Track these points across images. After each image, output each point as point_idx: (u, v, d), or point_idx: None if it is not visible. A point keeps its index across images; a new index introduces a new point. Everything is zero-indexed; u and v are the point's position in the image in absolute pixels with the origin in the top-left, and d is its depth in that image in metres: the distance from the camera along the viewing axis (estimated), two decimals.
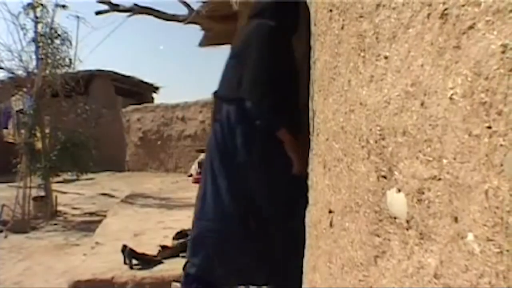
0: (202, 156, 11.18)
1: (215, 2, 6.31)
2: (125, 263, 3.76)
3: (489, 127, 0.57)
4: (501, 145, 0.55)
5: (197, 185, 8.65)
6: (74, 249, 5.26)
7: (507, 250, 0.53)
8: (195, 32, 7.90)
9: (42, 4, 7.58)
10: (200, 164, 10.64)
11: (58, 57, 7.75)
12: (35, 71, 7.61)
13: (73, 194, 9.68)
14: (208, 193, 2.32)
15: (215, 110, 2.39)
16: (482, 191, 0.58)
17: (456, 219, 0.64)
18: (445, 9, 0.70)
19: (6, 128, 11.17)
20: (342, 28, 1.22)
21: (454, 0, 0.67)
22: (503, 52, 0.55)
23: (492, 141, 0.56)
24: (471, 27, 0.63)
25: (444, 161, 0.67)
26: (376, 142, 0.94)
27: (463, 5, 0.65)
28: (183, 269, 2.40)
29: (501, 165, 0.54)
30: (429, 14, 0.75)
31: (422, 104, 0.75)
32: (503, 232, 0.53)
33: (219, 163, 2.22)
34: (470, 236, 0.60)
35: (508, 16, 0.55)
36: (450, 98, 0.66)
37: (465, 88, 0.63)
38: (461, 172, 0.63)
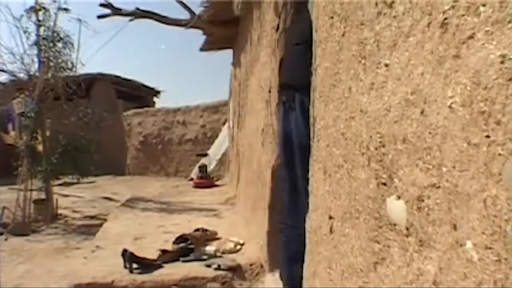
0: (202, 160, 11.20)
1: (216, 7, 6.33)
2: (125, 267, 3.76)
3: (488, 136, 0.57)
4: (500, 154, 0.55)
5: (198, 190, 8.57)
6: (75, 252, 5.26)
7: (505, 259, 0.53)
8: (197, 36, 7.92)
9: (44, 8, 7.61)
10: (200, 169, 10.63)
11: (60, 60, 7.77)
12: (37, 74, 7.62)
13: (74, 197, 9.68)
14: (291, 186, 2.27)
15: (287, 99, 2.33)
16: (480, 200, 0.58)
17: (455, 227, 0.64)
18: (445, 19, 0.70)
19: (14, 130, 11.16)
20: (343, 35, 1.22)
21: (454, 10, 0.68)
22: (502, 62, 0.56)
23: (490, 150, 0.57)
24: (470, 37, 0.63)
25: (444, 169, 0.68)
26: (376, 149, 0.94)
27: (462, 15, 0.65)
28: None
29: (500, 174, 0.55)
30: (429, 23, 0.76)
31: (422, 112, 0.75)
32: (501, 241, 0.54)
33: (294, 153, 2.20)
34: (469, 244, 0.61)
35: (507, 27, 0.55)
36: (450, 107, 0.67)
37: (464, 97, 0.63)
38: (460, 180, 0.63)
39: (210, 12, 6.62)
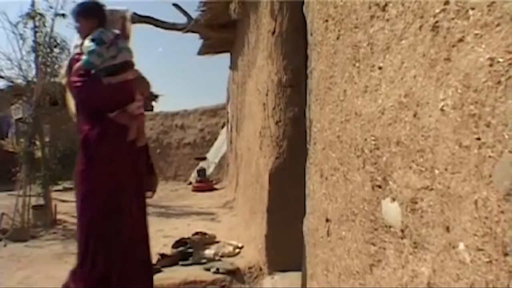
0: (201, 164, 11.19)
1: (213, 11, 6.34)
2: None
3: (478, 139, 0.58)
4: (490, 156, 0.56)
5: (197, 193, 8.54)
6: (74, 258, 5.22)
7: (496, 260, 0.53)
8: (194, 40, 7.93)
9: (40, 14, 7.60)
10: (199, 172, 10.62)
11: (57, 65, 7.76)
12: (35, 79, 7.61)
13: (73, 202, 9.65)
14: None
15: None
16: (472, 201, 0.59)
17: (448, 229, 0.65)
18: (436, 22, 0.71)
19: (7, 137, 11.12)
20: (338, 38, 1.23)
21: (444, 13, 0.68)
22: (490, 65, 0.56)
23: (481, 153, 0.57)
24: (460, 40, 0.64)
25: (436, 171, 0.68)
26: (371, 151, 0.95)
27: (453, 18, 0.66)
28: None
29: (490, 176, 0.55)
30: (421, 26, 0.76)
31: (415, 115, 0.76)
32: (492, 242, 0.54)
33: None
34: (461, 246, 0.61)
35: (495, 30, 0.56)
36: (441, 110, 0.67)
37: (455, 100, 0.64)
38: (452, 182, 0.64)
39: (207, 16, 6.62)
